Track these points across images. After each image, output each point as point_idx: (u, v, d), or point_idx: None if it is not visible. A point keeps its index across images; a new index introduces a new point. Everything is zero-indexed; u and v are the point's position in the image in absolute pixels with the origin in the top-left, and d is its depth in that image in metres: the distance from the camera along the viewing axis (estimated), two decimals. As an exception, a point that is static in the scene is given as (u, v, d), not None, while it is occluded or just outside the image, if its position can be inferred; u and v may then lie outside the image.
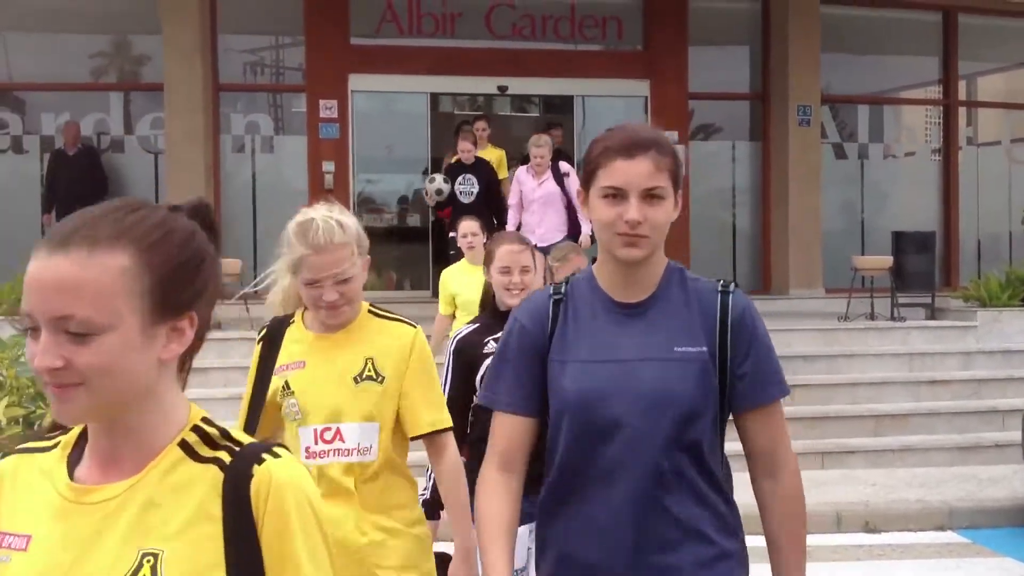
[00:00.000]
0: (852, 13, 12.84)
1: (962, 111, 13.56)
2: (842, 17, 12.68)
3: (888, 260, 10.47)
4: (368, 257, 2.75)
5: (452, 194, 9.73)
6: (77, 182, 11.11)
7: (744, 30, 12.91)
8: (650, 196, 2.00)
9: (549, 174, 9.14)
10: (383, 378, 2.72)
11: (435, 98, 12.55)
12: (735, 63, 12.97)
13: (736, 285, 2.15)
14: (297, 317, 2.82)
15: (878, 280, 10.61)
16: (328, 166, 11.68)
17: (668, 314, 2.10)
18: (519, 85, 12.46)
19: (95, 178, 11.36)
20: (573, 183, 8.88)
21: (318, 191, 11.67)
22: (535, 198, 9.16)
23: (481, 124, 10.57)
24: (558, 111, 12.87)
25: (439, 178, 9.84)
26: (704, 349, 2.08)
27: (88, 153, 11.45)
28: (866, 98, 13.33)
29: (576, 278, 2.20)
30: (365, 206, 12.20)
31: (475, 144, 10.07)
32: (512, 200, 9.41)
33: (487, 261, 3.90)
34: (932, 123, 13.71)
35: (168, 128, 11.40)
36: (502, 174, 10.27)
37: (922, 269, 10.45)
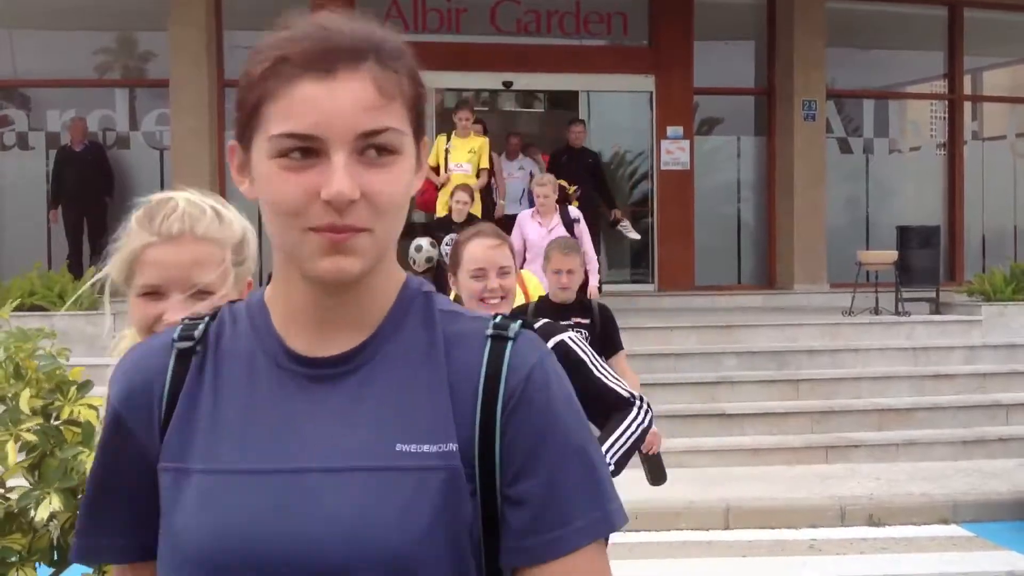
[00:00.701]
0: (858, 8, 12.84)
1: (967, 106, 13.55)
2: (848, 12, 12.68)
3: (893, 255, 10.48)
4: (249, 279, 1.85)
5: (441, 257, 8.46)
6: (83, 178, 11.19)
7: (749, 25, 12.91)
8: (373, 149, 1.07)
9: (558, 219, 8.19)
10: None
11: (442, 94, 12.57)
12: (740, 58, 12.98)
13: (528, 325, 1.18)
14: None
15: (883, 275, 10.63)
16: (334, 162, 11.70)
17: (392, 380, 1.14)
18: (525, 80, 12.49)
19: (101, 174, 11.42)
20: (583, 232, 8.21)
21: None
22: (543, 246, 8.31)
23: (464, 113, 10.01)
24: (564, 106, 12.89)
25: (425, 243, 8.61)
26: (453, 447, 1.10)
27: (94, 149, 11.49)
28: (871, 93, 13.33)
29: (236, 307, 1.22)
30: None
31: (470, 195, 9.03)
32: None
33: (453, 264, 3.22)
34: (937, 118, 13.71)
35: (174, 125, 11.44)
36: (483, 163, 9.92)
37: (927, 264, 10.46)
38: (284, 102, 1.07)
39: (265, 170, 1.09)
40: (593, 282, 8.05)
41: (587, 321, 4.38)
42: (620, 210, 10.84)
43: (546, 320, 3.36)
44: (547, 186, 8.31)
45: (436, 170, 9.70)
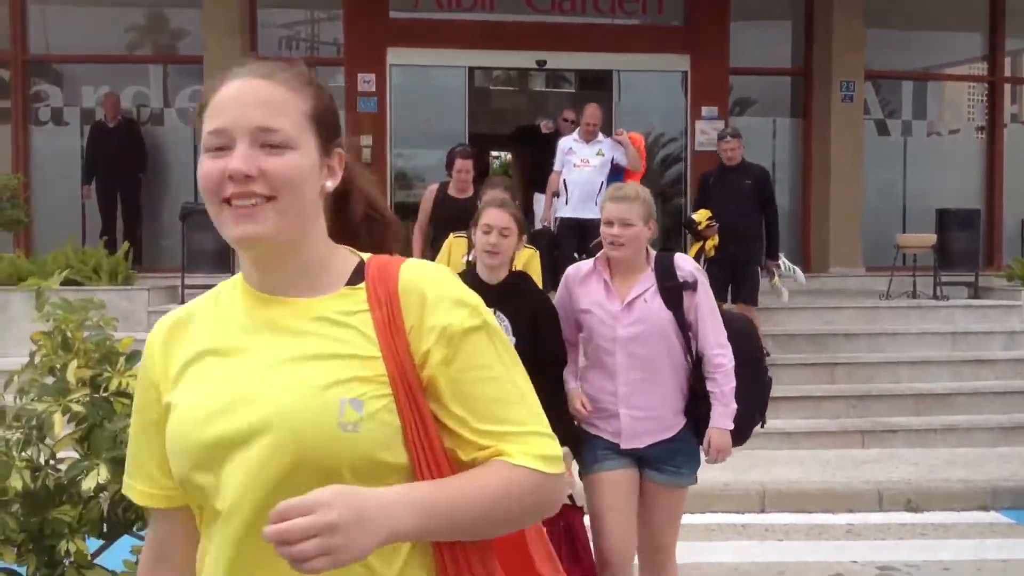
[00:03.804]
0: (897, -13, 12.65)
1: (1007, 88, 13.32)
2: (887, -9, 12.49)
3: (932, 238, 10.33)
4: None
5: None
6: (117, 154, 11.22)
7: (787, 5, 12.74)
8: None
9: (648, 280, 7.53)
10: None
11: (473, 72, 12.49)
12: (777, 38, 12.80)
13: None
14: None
15: (920, 258, 10.49)
16: (366, 140, 11.68)
17: None
18: (558, 60, 12.38)
19: (135, 150, 11.45)
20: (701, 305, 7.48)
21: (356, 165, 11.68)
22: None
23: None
24: (596, 86, 12.78)
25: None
26: None
27: (128, 125, 11.52)
28: (910, 74, 13.11)
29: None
30: (401, 181, 12.19)
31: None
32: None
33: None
34: (976, 100, 13.48)
35: (207, 101, 11.42)
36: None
37: (966, 247, 10.31)
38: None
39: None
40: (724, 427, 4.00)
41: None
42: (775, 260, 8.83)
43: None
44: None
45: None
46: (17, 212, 9.62)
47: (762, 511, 6.65)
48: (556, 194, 9.15)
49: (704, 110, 12.12)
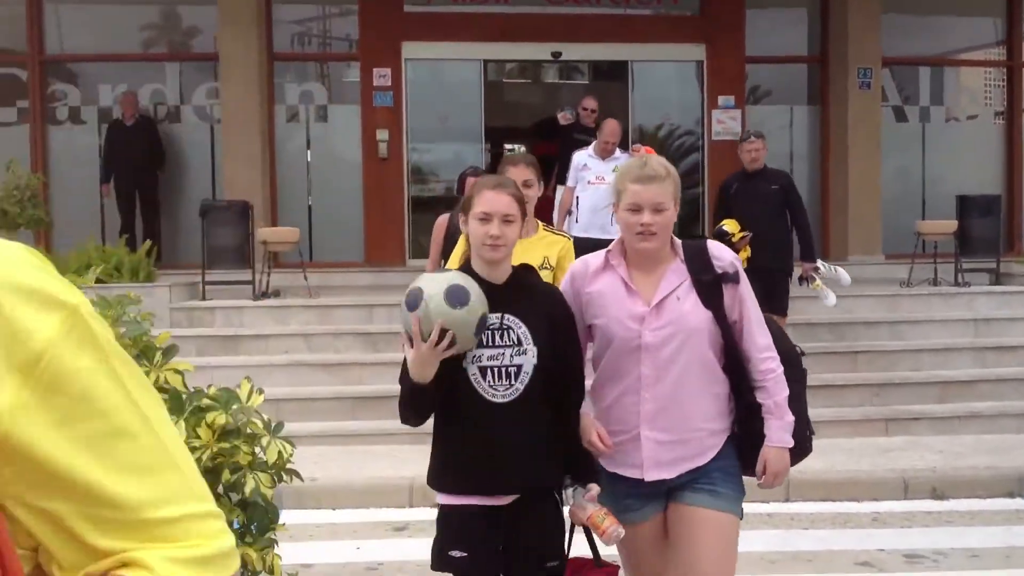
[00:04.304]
0: (913, -27, 12.57)
1: (1026, 73, 13.22)
2: (902, -24, 12.40)
3: (953, 224, 10.27)
4: None
5: None
6: (135, 152, 11.26)
7: (802, -8, 12.68)
8: None
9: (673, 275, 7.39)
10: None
11: (488, 66, 12.48)
12: (793, 25, 12.73)
13: None
14: None
15: (941, 245, 10.43)
16: (382, 135, 11.69)
17: None
18: (573, 51, 12.35)
19: (152, 148, 11.49)
20: (744, 297, 7.36)
21: (372, 160, 11.70)
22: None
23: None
24: (610, 77, 12.75)
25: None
26: None
27: (145, 123, 11.55)
28: (927, 60, 13.02)
29: None
30: (417, 175, 12.20)
31: None
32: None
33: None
34: (995, 85, 13.38)
35: (223, 98, 11.47)
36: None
37: (987, 234, 10.25)
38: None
39: None
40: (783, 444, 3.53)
41: None
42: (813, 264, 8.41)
43: None
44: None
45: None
46: (38, 211, 9.67)
47: (787, 500, 6.63)
48: (569, 211, 8.75)
49: (721, 99, 12.08)
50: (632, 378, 3.09)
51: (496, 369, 2.97)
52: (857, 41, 11.99)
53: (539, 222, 4.30)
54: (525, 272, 3.19)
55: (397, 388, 3.00)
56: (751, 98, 12.72)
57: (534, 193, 4.10)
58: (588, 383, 3.24)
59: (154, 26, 12.37)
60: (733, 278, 3.11)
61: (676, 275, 3.12)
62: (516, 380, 2.97)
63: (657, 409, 3.08)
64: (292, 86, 12.18)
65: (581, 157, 8.69)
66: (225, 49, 11.32)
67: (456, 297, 2.84)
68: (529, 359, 2.99)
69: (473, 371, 2.98)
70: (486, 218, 3.06)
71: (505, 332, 3.00)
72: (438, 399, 2.98)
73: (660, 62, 12.38)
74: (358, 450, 7.42)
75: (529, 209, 3.65)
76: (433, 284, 2.89)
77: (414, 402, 2.97)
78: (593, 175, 8.52)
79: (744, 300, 3.14)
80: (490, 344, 2.99)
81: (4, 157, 10.09)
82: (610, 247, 3.22)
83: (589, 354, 3.28)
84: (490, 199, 3.07)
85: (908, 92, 13.04)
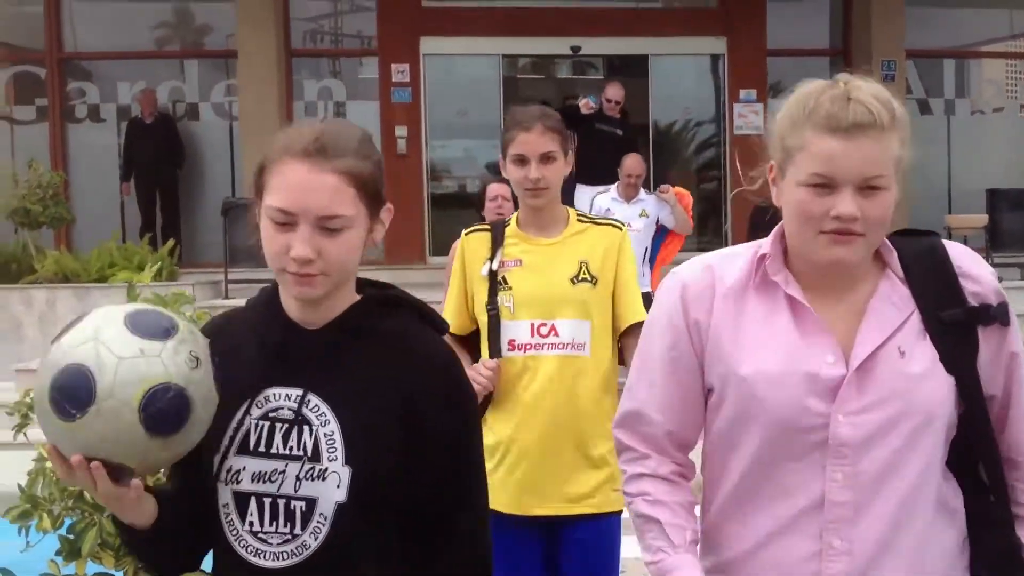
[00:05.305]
0: (936, -37, 12.44)
1: (1052, 65, 13.09)
2: (926, -32, 12.28)
3: (983, 218, 10.18)
4: None
5: None
6: (154, 150, 11.23)
7: (824, -17, 12.57)
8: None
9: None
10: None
11: (506, 60, 12.40)
12: (815, 18, 12.61)
13: None
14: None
15: (971, 239, 10.31)
16: (401, 131, 11.63)
17: None
18: (592, 45, 12.26)
19: (172, 145, 11.45)
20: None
21: (391, 157, 11.64)
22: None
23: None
24: (629, 72, 12.65)
25: None
26: None
27: (164, 121, 11.52)
28: (952, 52, 12.89)
29: None
30: (437, 171, 12.14)
31: None
32: None
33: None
34: (1021, 77, 13.25)
35: (242, 95, 11.43)
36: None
37: (1018, 228, 10.17)
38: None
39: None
40: None
41: None
42: None
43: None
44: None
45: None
46: (60, 209, 9.63)
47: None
48: None
49: (742, 93, 11.98)
50: (807, 503, 1.66)
51: (269, 501, 1.57)
52: (880, 33, 11.86)
53: (569, 210, 3.02)
54: (376, 306, 1.72)
55: None
56: (772, 92, 12.62)
57: (558, 169, 2.88)
58: (696, 508, 1.81)
59: (172, 23, 12.35)
60: (999, 315, 1.69)
61: (892, 306, 1.69)
62: (304, 527, 1.56)
63: (870, 552, 1.64)
64: (310, 82, 12.13)
65: (603, 201, 7.72)
66: (243, 46, 11.28)
67: (70, 397, 1.41)
68: (330, 488, 1.56)
69: (226, 499, 1.60)
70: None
71: (295, 429, 1.58)
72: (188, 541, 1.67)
73: (679, 55, 12.30)
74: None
75: (554, 195, 2.90)
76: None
77: (140, 551, 1.73)
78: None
79: (1018, 359, 1.71)
80: (261, 448, 1.59)
81: (24, 155, 10.10)
82: (762, 248, 1.76)
83: (701, 444, 1.83)
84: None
85: (931, 85, 12.91)
